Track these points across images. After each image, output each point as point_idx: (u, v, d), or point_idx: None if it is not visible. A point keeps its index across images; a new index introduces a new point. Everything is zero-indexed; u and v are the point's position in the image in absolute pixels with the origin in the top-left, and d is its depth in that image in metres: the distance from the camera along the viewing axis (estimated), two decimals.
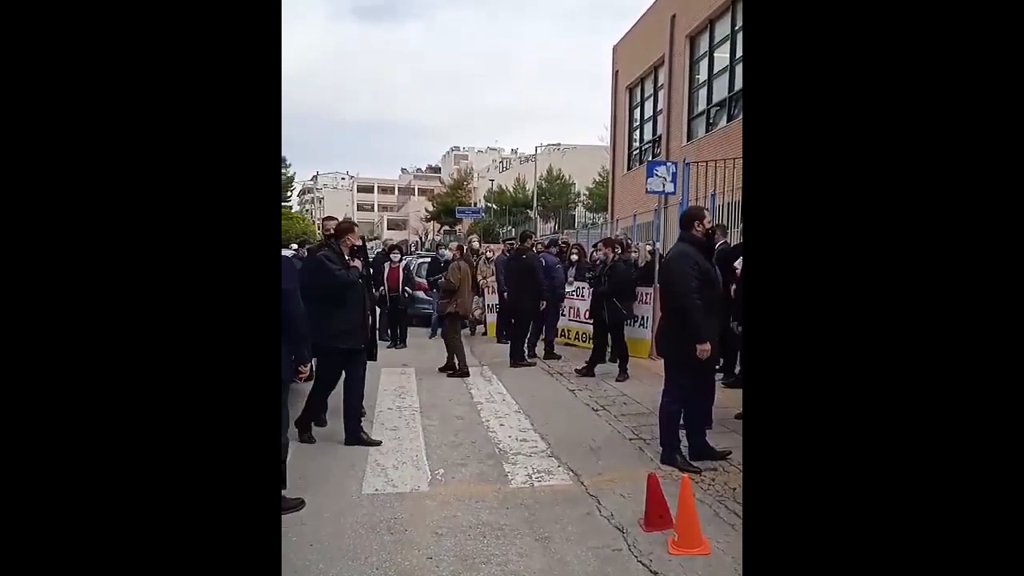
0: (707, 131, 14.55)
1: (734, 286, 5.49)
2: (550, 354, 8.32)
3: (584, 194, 38.55)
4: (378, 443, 4.65)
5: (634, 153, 19.45)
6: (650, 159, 15.58)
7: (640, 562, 2.93)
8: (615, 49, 20.29)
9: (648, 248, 8.56)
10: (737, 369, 6.23)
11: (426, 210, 48.59)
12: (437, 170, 75.70)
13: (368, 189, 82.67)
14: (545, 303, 8.00)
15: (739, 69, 13.15)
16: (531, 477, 4.05)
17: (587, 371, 7.13)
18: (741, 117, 12.85)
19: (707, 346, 4.00)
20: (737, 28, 13.26)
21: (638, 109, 19.22)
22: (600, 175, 34.44)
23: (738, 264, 5.46)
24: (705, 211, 4.38)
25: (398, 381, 6.85)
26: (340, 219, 5.22)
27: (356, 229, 4.81)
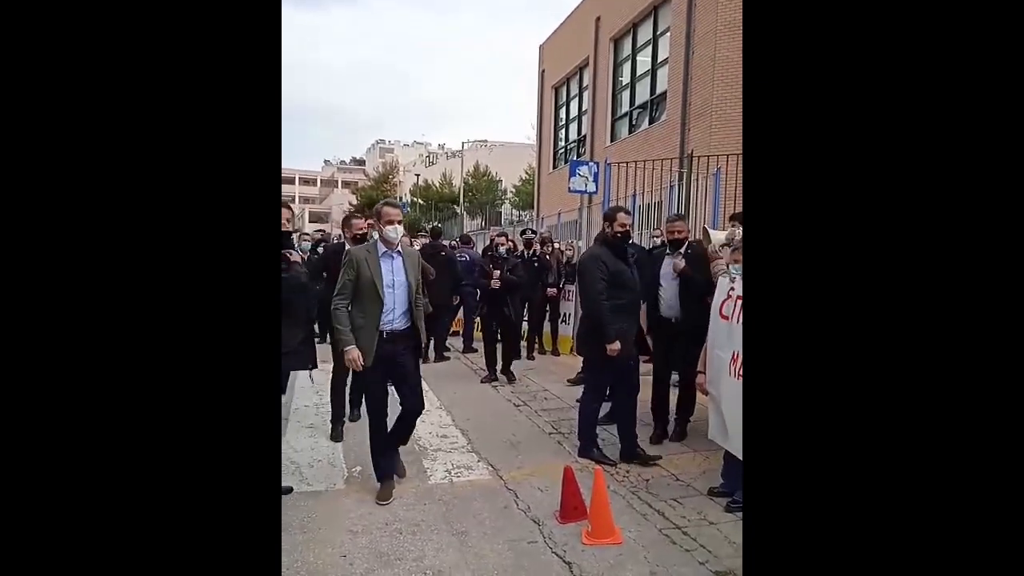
0: (630, 132, 14.91)
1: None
2: (468, 348, 8.42)
3: (511, 191, 38.64)
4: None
5: (559, 152, 19.69)
6: (575, 158, 15.84)
7: (554, 553, 2.99)
8: (542, 48, 20.46)
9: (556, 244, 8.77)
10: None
11: (350, 203, 47.44)
12: (361, 163, 74.05)
13: (289, 180, 79.76)
14: (459, 298, 8.09)
15: (660, 73, 13.53)
16: (450, 473, 4.05)
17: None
18: (661, 120, 13.26)
19: (616, 346, 4.02)
20: (659, 32, 13.64)
21: (564, 108, 19.46)
22: (527, 173, 34.61)
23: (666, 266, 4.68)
24: (622, 212, 4.27)
25: (317, 378, 6.66)
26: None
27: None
